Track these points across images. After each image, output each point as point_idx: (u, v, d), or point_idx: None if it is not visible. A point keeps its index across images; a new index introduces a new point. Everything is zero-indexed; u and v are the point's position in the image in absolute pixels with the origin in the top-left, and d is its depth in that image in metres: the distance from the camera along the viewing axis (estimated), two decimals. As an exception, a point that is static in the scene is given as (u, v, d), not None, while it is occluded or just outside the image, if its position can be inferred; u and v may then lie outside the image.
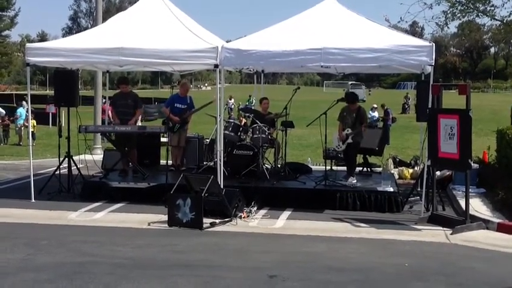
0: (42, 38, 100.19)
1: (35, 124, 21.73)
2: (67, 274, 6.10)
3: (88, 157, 12.29)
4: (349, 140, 10.58)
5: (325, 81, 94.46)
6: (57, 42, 11.62)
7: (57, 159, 11.14)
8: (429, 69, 9.30)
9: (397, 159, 14.39)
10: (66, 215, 9.26)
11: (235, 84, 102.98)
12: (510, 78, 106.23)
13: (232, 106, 37.62)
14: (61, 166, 10.95)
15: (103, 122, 20.32)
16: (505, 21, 12.73)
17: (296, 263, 6.71)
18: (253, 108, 16.73)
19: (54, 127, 24.49)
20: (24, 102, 26.51)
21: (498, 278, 6.31)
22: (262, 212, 9.50)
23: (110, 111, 13.33)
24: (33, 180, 10.39)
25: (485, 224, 8.68)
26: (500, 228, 8.49)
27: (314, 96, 55.54)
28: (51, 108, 26.97)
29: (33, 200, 10.15)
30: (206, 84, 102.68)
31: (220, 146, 9.88)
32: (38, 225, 8.68)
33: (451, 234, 8.21)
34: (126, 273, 6.19)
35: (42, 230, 8.36)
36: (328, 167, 11.65)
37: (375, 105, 25.64)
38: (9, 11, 70.68)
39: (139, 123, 13.64)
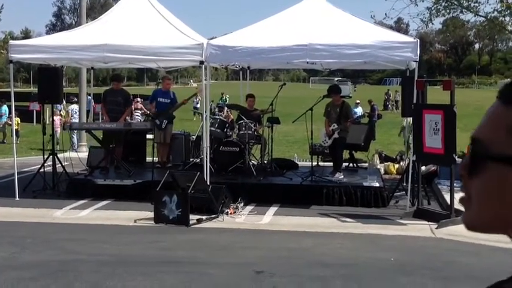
0: (26, 35, 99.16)
1: (19, 122, 21.50)
2: (52, 272, 6.06)
3: (73, 155, 12.20)
4: (335, 135, 10.60)
5: (311, 78, 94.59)
6: (41, 39, 11.53)
7: (42, 156, 11.03)
8: (414, 65, 9.35)
9: (383, 155, 14.47)
10: (51, 213, 9.18)
11: (222, 81, 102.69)
12: (494, 74, 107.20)
13: (198, 105, 31.21)
14: (46, 164, 10.86)
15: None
16: (488, 17, 12.84)
17: (283, 259, 6.72)
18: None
19: (39, 125, 24.25)
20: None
21: (482, 271, 6.37)
22: (249, 208, 9.49)
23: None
24: (18, 178, 10.26)
25: (470, 218, 8.74)
26: (485, 222, 8.55)
27: (300, 92, 55.56)
28: (35, 106, 26.71)
29: (17, 198, 10.04)
30: (192, 81, 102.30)
31: (206, 143, 9.85)
32: (23, 223, 8.60)
33: (436, 228, 8.27)
34: (111, 270, 6.15)
35: (27, 228, 8.28)
36: (315, 163, 11.67)
37: (358, 101, 25.69)
38: (-8, 8, 69.70)
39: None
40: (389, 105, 43.59)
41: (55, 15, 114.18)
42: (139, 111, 24.28)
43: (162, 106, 11.63)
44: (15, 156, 10.59)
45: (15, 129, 15.15)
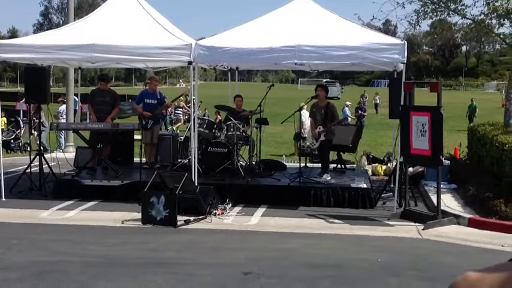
0: (13, 34, 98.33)
1: (6, 121, 21.30)
2: (38, 273, 6.01)
3: (60, 155, 12.12)
4: (322, 138, 10.60)
5: (299, 79, 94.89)
6: (28, 38, 11.44)
7: (28, 157, 10.94)
8: (401, 66, 9.39)
9: (371, 156, 14.54)
10: (37, 213, 9.11)
11: (210, 81, 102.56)
12: (481, 76, 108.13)
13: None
14: (32, 164, 10.77)
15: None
16: (476, 20, 12.93)
17: (271, 260, 6.72)
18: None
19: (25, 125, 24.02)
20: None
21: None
22: (237, 209, 9.49)
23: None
24: (4, 178, 10.18)
25: (457, 219, 8.82)
26: (471, 223, 8.64)
27: (289, 93, 55.65)
28: (22, 106, 26.48)
29: (3, 199, 9.96)
30: (181, 81, 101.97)
31: (194, 144, 9.84)
32: (9, 224, 8.52)
33: (423, 229, 8.32)
34: (98, 271, 6.12)
35: (13, 229, 8.21)
36: (303, 164, 11.69)
37: (348, 103, 25.79)
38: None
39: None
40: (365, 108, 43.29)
41: (42, 15, 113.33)
42: (180, 109, 24.98)
43: (149, 107, 11.63)
44: (1, 156, 10.46)
45: (1, 128, 15.00)
